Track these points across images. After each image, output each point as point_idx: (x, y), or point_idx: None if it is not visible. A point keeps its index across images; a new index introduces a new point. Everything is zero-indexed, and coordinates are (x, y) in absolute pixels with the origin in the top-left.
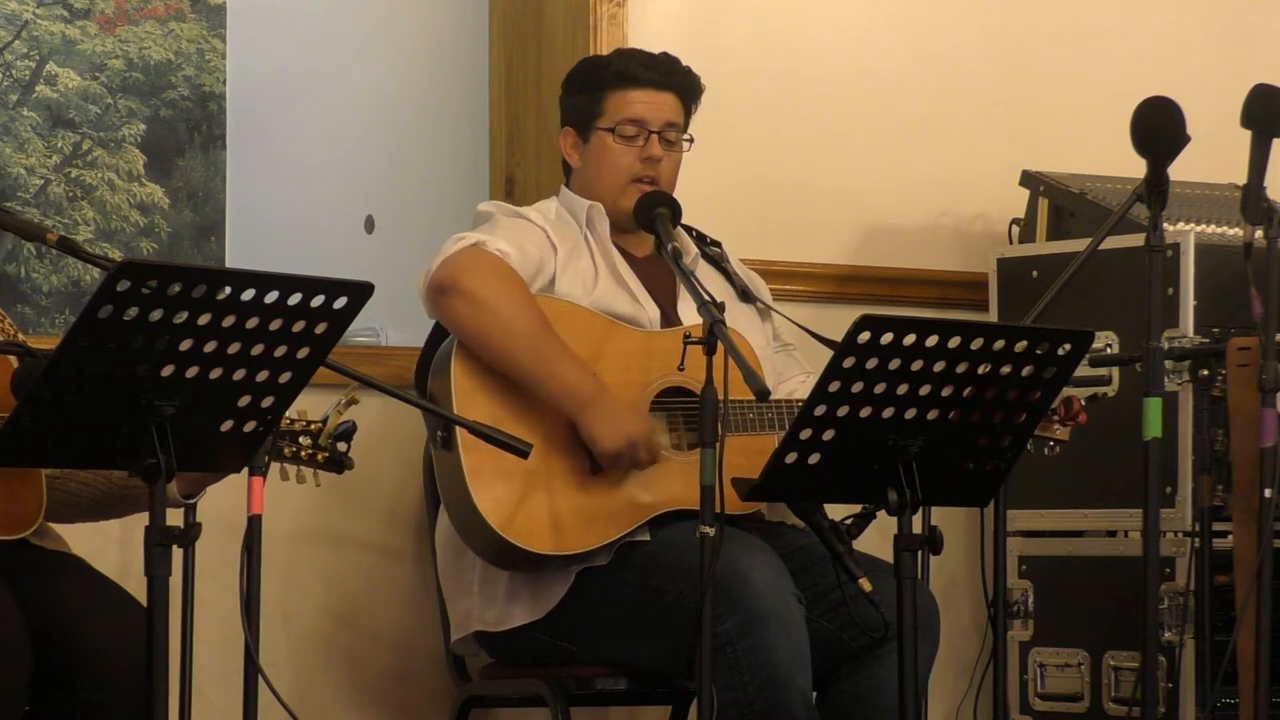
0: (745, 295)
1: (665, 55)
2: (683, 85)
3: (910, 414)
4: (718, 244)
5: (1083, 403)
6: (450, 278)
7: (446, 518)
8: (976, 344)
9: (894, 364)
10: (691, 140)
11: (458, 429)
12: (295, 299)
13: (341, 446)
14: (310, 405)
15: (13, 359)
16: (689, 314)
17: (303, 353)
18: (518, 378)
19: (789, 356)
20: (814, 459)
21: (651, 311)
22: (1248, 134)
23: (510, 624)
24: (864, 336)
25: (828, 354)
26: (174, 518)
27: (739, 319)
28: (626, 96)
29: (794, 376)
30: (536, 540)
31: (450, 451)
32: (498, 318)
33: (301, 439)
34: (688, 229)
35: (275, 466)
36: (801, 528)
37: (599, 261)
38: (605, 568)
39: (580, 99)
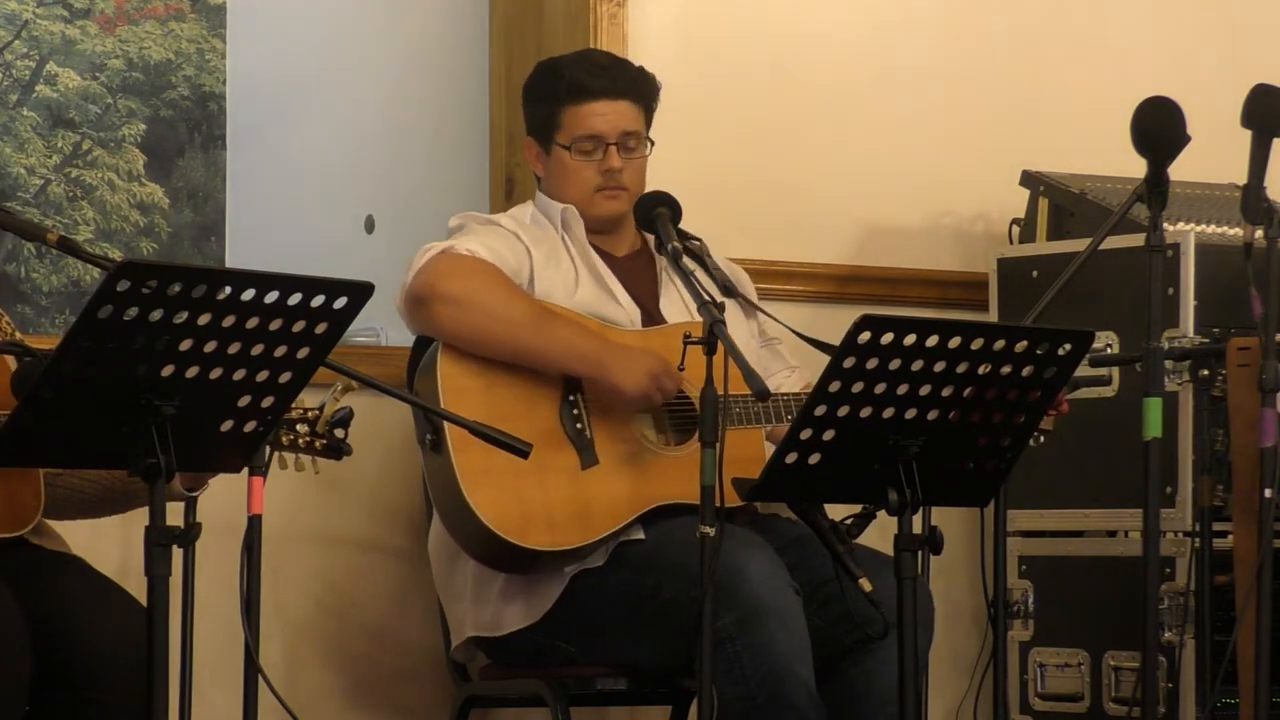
0: (727, 290)
1: (615, 60)
2: (637, 88)
3: (910, 414)
4: (697, 239)
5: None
6: (426, 285)
7: (438, 524)
8: (977, 344)
9: (894, 364)
10: (652, 144)
11: (447, 431)
12: (295, 299)
13: (339, 433)
14: (309, 403)
15: (12, 359)
16: (672, 312)
17: (303, 353)
18: (523, 360)
19: (773, 351)
20: (814, 459)
21: (632, 312)
22: (1248, 134)
23: (506, 628)
24: (864, 336)
25: (822, 352)
26: (174, 517)
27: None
28: (580, 111)
29: (779, 371)
30: (532, 537)
31: (440, 454)
32: (484, 310)
33: (299, 427)
34: None
35: (275, 456)
36: (795, 520)
37: (579, 264)
38: (601, 568)
39: (538, 109)
